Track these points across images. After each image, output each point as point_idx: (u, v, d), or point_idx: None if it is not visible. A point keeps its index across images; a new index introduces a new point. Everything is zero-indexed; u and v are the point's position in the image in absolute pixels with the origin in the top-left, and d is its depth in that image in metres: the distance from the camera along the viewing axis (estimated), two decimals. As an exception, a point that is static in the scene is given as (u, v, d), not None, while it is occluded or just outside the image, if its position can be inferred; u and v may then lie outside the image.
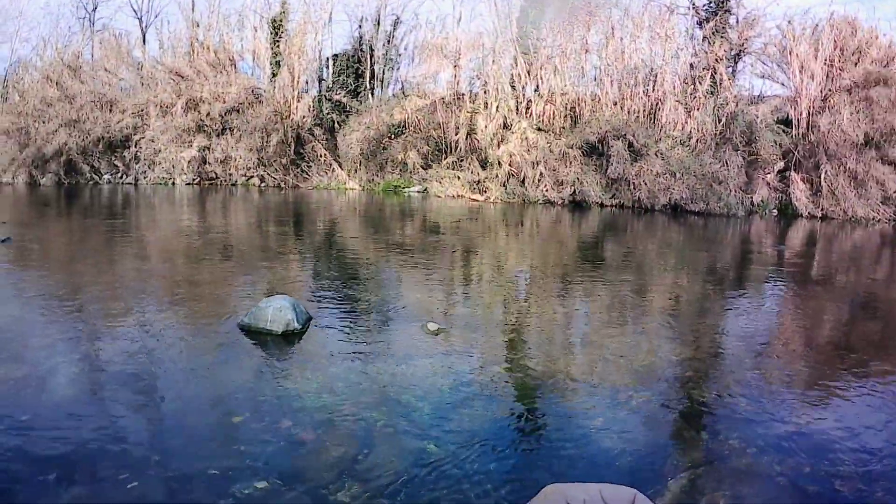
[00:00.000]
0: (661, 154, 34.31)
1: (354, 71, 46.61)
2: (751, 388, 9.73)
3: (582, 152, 35.98)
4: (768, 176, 34.31)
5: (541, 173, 36.15)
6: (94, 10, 52.45)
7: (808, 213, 33.09)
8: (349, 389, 9.19)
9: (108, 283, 15.64)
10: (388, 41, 47.46)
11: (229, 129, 41.54)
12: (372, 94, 46.41)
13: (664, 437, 8.16)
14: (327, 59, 47.20)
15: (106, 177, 40.59)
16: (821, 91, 34.78)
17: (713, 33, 36.75)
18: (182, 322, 12.27)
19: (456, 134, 39.47)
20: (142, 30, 51.84)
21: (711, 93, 35.86)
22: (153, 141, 40.77)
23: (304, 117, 42.40)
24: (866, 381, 10.17)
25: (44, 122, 39.86)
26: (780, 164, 34.43)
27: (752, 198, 33.71)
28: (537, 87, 39.57)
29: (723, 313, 15.02)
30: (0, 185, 38.31)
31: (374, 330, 12.43)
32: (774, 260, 22.35)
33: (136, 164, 40.88)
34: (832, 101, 34.22)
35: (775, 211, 33.92)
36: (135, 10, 54.04)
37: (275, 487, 6.58)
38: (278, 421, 8.06)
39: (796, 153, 34.43)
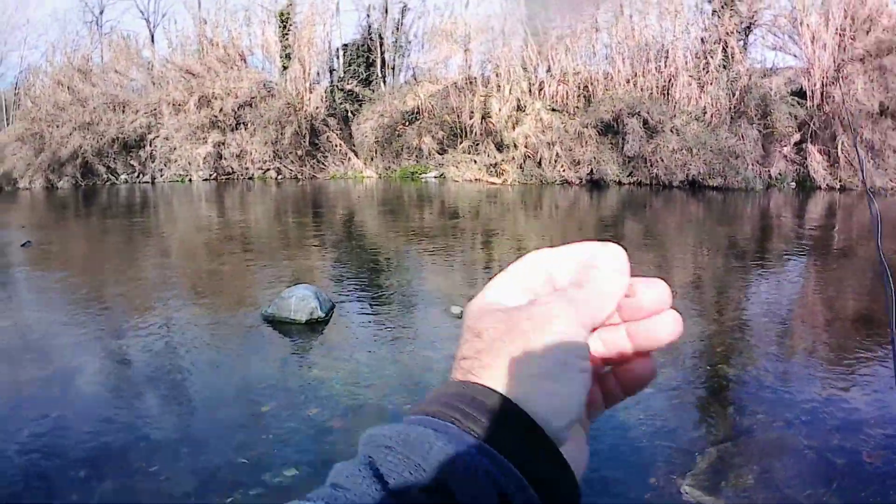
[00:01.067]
0: (677, 130, 34.15)
1: (365, 60, 46.62)
2: (776, 361, 9.73)
3: (597, 131, 35.83)
4: (785, 149, 34.09)
5: (557, 154, 36.06)
6: (101, 13, 52.34)
7: (827, 184, 32.84)
8: (375, 375, 9.22)
9: (131, 280, 15.71)
10: (398, 28, 47.43)
11: (243, 123, 41.54)
12: (384, 82, 46.40)
13: (690, 413, 8.16)
14: (337, 49, 47.23)
15: (122, 177, 40.60)
16: (833, 61, 34.46)
17: (723, 6, 36.47)
18: (206, 315, 12.32)
19: (470, 118, 39.40)
20: (150, 30, 51.85)
21: (724, 67, 35.65)
22: (168, 139, 40.77)
23: (317, 108, 42.37)
24: (890, 352, 10.13)
25: (57, 127, 39.83)
26: (797, 137, 34.22)
27: (769, 171, 33.55)
28: (549, 67, 39.43)
29: (745, 287, 14.99)
30: (18, 190, 38.43)
31: (398, 315, 12.47)
32: (795, 233, 22.28)
33: (152, 162, 40.87)
34: (845, 71, 33.99)
35: (793, 184, 33.68)
36: (141, 11, 54.23)
37: (304, 475, 6.61)
38: (306, 409, 8.09)
39: (812, 125, 34.17)
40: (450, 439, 0.72)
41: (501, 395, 0.76)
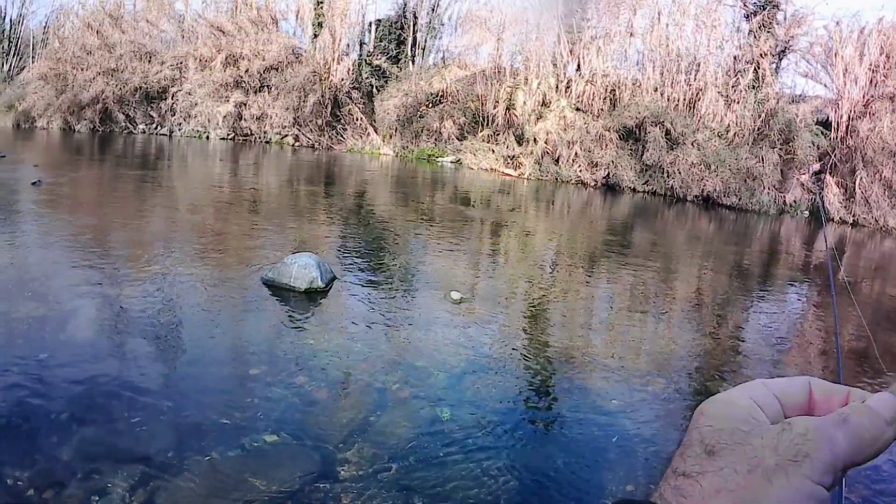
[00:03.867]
0: (698, 144, 34.00)
1: (396, 37, 46.46)
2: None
3: (618, 136, 35.70)
4: (803, 177, 33.97)
5: (576, 153, 35.93)
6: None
7: (840, 218, 32.72)
8: (367, 351, 9.19)
9: (135, 229, 15.71)
10: (433, 9, 47.24)
11: (267, 86, 41.37)
12: (412, 62, 46.22)
13: (676, 425, 8.12)
14: (370, 23, 47.01)
15: (140, 127, 40.47)
16: (863, 96, 34.28)
17: (760, 27, 36.31)
18: (207, 273, 12.29)
19: (494, 107, 39.24)
20: (186, -17, 51.77)
21: (753, 87, 35.48)
22: (190, 94, 40.59)
23: (342, 80, 42.20)
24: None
25: (82, 70, 39.67)
26: (816, 166, 34.13)
27: (784, 197, 33.41)
28: (578, 66, 39.25)
29: (746, 309, 14.95)
30: (35, 129, 38.37)
31: (397, 295, 12.45)
32: (802, 262, 22.23)
33: (172, 115, 40.71)
34: (874, 107, 33.77)
35: (807, 212, 33.55)
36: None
37: (284, 442, 6.60)
38: (294, 377, 8.08)
39: (833, 156, 34.04)
40: None
41: None
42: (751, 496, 0.69)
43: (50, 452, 6.07)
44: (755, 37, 36.37)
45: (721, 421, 0.78)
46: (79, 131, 38.39)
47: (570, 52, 39.24)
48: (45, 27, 48.45)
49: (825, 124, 35.21)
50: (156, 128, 40.62)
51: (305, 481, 6.05)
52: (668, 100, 36.61)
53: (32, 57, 46.77)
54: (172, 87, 40.77)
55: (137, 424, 6.61)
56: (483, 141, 39.09)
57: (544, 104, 38.29)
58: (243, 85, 41.09)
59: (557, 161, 36.31)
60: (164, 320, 9.61)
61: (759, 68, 35.82)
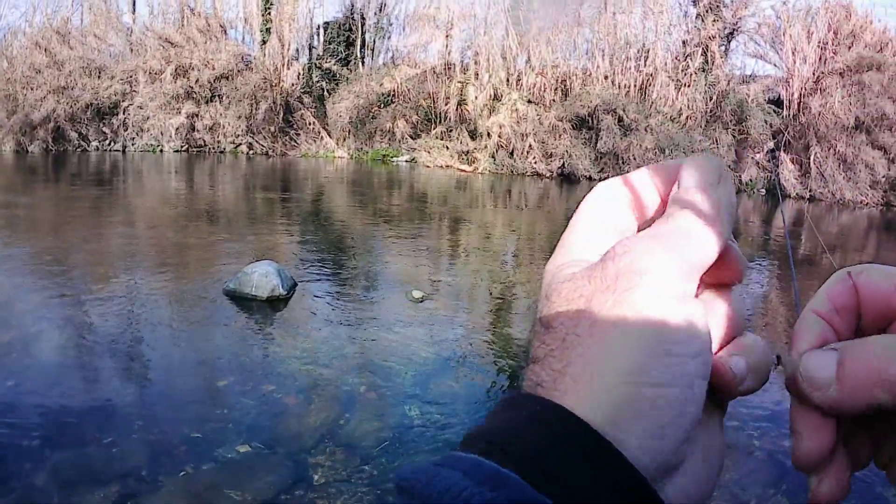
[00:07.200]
0: (651, 129, 34.18)
1: (345, 39, 46.30)
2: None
3: (572, 126, 35.79)
4: (758, 155, 34.28)
5: (530, 145, 35.99)
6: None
7: (797, 193, 33.04)
8: (333, 355, 9.23)
9: (94, 248, 15.62)
10: (380, 9, 47.10)
11: (218, 96, 41.04)
12: (362, 63, 46.08)
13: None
14: (318, 26, 46.76)
15: (94, 144, 40.00)
16: (813, 73, 34.63)
17: (707, 11, 36.51)
18: (168, 287, 12.27)
19: (446, 104, 39.24)
20: (133, -5, 51.32)
21: (703, 70, 35.74)
22: (141, 108, 40.19)
23: (293, 85, 42.01)
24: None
25: (32, 89, 39.17)
26: (770, 145, 34.43)
27: (740, 176, 33.68)
28: (528, 59, 39.39)
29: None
30: (-13, 151, 38.04)
31: (359, 296, 12.48)
32: (761, 239, 22.39)
33: (125, 131, 40.23)
34: (824, 83, 34.12)
35: (763, 190, 33.84)
36: (125, -25, 53.56)
37: (257, 451, 6.62)
38: (262, 385, 8.10)
39: (786, 134, 34.33)
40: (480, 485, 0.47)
41: (572, 416, 0.52)
42: (603, 355, 0.53)
43: (24, 478, 6.05)
44: (703, 20, 36.63)
45: (550, 284, 0.61)
46: (31, 152, 38.00)
47: (519, 45, 39.32)
48: (-8, 48, 48.03)
49: (777, 103, 35.58)
50: (109, 144, 40.25)
51: (280, 489, 6.09)
52: (620, 87, 36.82)
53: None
54: (123, 101, 40.39)
55: (110, 445, 6.62)
56: (437, 138, 39.09)
57: (496, 98, 38.36)
58: (194, 96, 40.81)
59: (512, 154, 36.40)
60: (130, 337, 9.61)
61: (707, 51, 36.12)
